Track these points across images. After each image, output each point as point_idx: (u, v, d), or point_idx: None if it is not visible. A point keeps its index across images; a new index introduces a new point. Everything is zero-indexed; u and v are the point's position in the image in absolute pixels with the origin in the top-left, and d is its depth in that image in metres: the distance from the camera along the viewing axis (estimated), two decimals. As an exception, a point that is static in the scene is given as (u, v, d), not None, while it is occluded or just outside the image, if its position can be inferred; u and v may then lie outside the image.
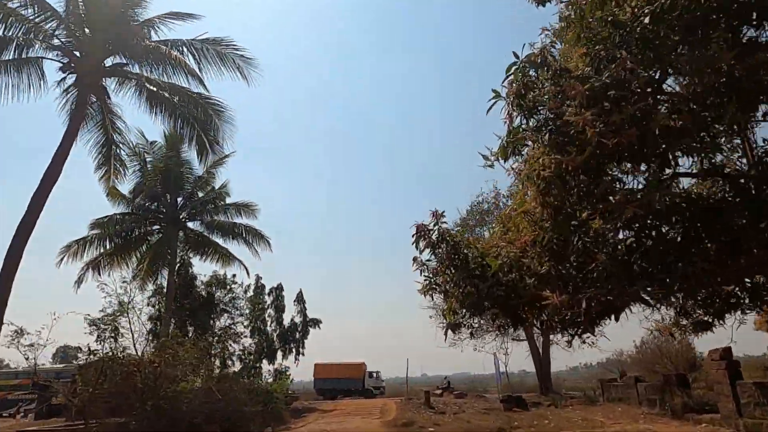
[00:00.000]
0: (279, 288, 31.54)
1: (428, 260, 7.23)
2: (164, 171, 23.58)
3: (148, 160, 23.58)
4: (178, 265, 26.18)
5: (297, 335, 31.17)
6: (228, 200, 25.96)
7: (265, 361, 29.90)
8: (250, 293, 27.82)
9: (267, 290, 30.83)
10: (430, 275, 7.23)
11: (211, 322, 26.29)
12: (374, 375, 42.74)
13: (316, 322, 31.97)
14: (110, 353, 12.28)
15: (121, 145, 15.79)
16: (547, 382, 33.83)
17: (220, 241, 25.29)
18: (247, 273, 26.15)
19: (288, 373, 30.29)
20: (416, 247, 7.05)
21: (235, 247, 25.94)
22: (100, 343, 12.19)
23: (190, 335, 22.92)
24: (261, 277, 30.77)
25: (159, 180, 23.68)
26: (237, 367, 27.66)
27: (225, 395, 14.50)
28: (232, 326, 26.44)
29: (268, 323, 30.71)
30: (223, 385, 14.55)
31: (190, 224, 25.21)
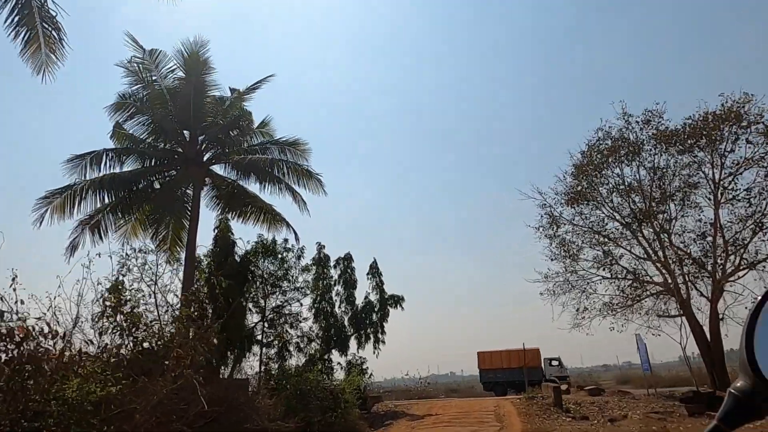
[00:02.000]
0: (347, 258, 24.45)
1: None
2: (176, 94, 17.31)
3: (153, 79, 17.33)
4: (216, 228, 20.10)
5: (374, 317, 24.00)
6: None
7: (335, 352, 23.13)
8: (305, 261, 20.93)
9: (332, 262, 24.03)
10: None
11: (263, 301, 19.98)
12: (555, 363, 34.19)
13: (397, 300, 24.57)
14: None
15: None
16: (721, 373, 24.16)
17: (256, 188, 18.75)
18: (296, 237, 19.57)
19: (365, 366, 23.34)
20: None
21: (277, 201, 19.51)
22: None
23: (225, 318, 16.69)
24: (324, 246, 23.96)
25: (169, 107, 17.44)
26: (299, 359, 21.21)
27: (219, 405, 7.70)
28: (287, 304, 19.93)
29: (336, 303, 23.87)
30: (217, 388, 7.78)
31: (216, 168, 18.83)
